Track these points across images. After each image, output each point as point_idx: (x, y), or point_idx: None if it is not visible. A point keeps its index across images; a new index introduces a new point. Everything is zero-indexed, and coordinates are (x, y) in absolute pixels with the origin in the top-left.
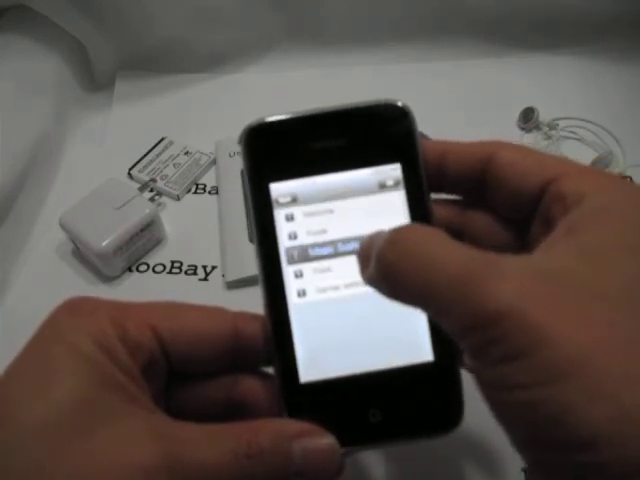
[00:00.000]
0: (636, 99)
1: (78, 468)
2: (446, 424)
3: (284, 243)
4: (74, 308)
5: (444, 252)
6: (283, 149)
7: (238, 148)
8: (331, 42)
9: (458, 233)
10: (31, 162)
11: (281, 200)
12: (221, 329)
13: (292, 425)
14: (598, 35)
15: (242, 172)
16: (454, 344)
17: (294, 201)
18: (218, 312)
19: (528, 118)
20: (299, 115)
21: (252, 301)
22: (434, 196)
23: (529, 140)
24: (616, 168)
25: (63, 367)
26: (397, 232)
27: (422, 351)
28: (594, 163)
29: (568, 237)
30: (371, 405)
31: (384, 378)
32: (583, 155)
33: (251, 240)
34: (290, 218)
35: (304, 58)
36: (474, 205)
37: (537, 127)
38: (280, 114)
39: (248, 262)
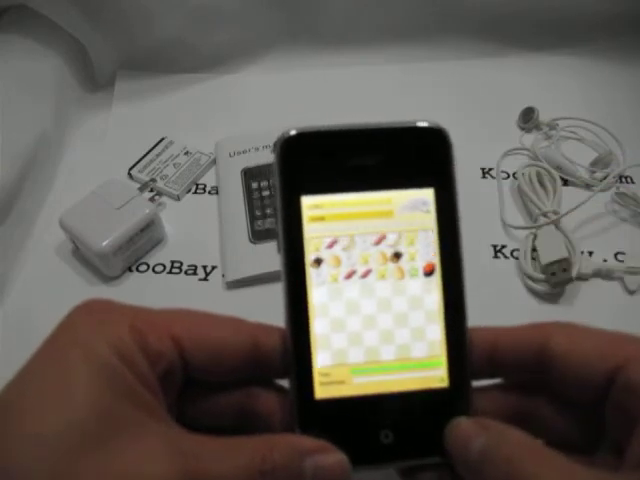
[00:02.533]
0: (636, 99)
1: (94, 479)
2: None
3: (311, 256)
4: (93, 312)
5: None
6: (318, 162)
7: (238, 148)
8: (331, 42)
9: (523, 419)
10: (31, 162)
11: (311, 214)
12: (241, 341)
13: (305, 441)
14: (598, 35)
15: (243, 172)
16: (468, 371)
17: (324, 216)
18: (238, 323)
19: (528, 118)
20: (336, 128)
21: (252, 301)
22: (491, 381)
23: (529, 140)
24: (616, 168)
25: (80, 374)
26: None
27: (437, 377)
28: (594, 163)
29: None
30: (384, 426)
31: (398, 401)
32: (583, 155)
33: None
34: (319, 232)
35: (304, 58)
36: (538, 388)
37: (537, 127)
38: (315, 125)
39: (248, 262)
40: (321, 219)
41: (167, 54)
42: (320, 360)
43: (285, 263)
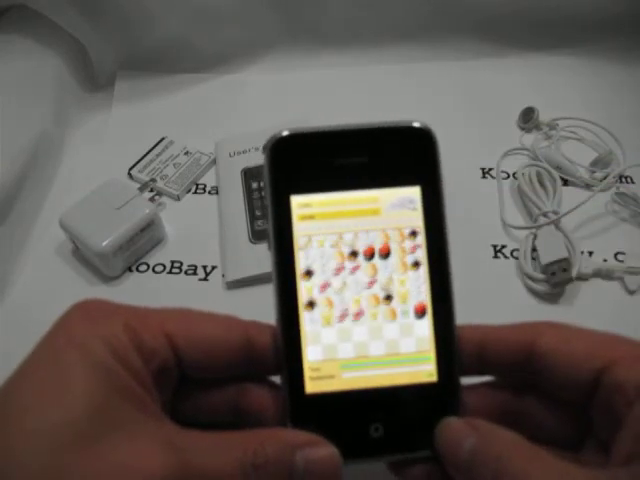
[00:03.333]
0: (636, 99)
1: (89, 474)
2: None
3: (301, 254)
4: (88, 311)
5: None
6: (307, 162)
7: (238, 148)
8: (331, 42)
9: (512, 417)
10: (31, 162)
11: (301, 212)
12: (235, 338)
13: (296, 435)
14: (598, 35)
15: (243, 172)
16: (457, 366)
17: (313, 215)
18: (231, 320)
19: (528, 118)
20: (324, 129)
21: (252, 301)
22: (479, 379)
23: (529, 140)
24: (616, 168)
25: (76, 373)
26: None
27: (426, 372)
28: (594, 163)
29: None
30: (374, 420)
31: (388, 395)
32: (583, 155)
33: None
34: (309, 230)
35: (304, 58)
36: (527, 387)
37: (537, 127)
38: (305, 126)
39: (248, 262)
40: (310, 217)
41: (167, 54)
42: (310, 355)
43: (276, 261)
